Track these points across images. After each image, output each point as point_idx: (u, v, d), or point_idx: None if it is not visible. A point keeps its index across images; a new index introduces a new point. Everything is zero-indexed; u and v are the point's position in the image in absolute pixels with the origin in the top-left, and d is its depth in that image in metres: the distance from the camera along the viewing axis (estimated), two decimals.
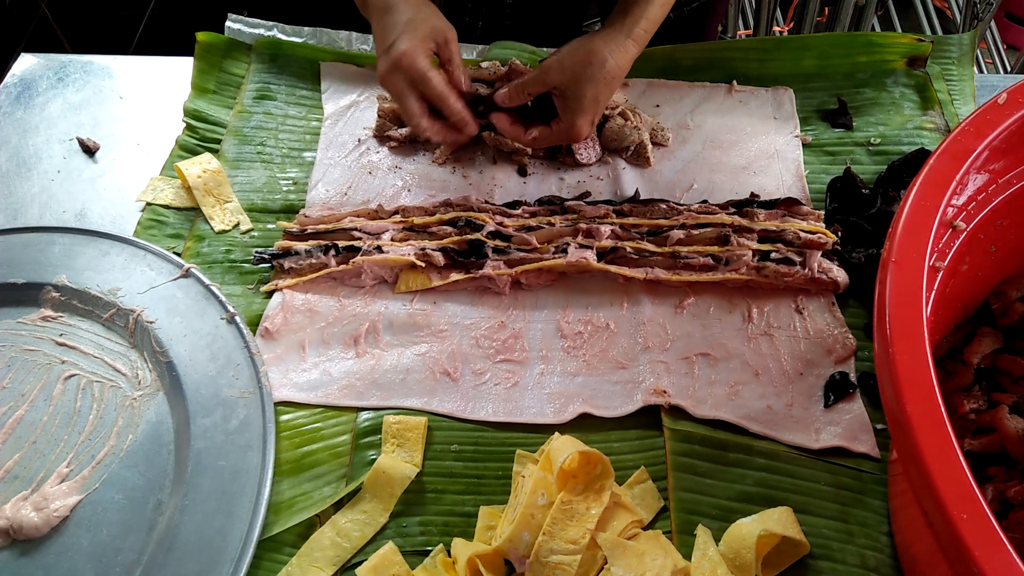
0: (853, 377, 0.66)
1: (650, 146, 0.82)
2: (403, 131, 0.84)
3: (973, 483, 0.37)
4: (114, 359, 0.69)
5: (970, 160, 0.49)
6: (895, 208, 0.73)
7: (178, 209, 0.80)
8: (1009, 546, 0.36)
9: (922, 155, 0.77)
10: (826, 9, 1.59)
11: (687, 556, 0.56)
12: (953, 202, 0.52)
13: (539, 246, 0.73)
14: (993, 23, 1.69)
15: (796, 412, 0.64)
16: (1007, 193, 0.56)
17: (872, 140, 0.82)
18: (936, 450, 0.38)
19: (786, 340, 0.69)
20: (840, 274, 0.70)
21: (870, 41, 0.87)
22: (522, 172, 0.82)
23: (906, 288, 0.44)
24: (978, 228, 0.55)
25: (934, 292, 0.51)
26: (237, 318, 0.70)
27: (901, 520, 0.56)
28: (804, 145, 0.83)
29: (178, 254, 0.75)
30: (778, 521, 0.56)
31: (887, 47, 0.87)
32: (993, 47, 1.73)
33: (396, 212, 0.77)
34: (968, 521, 0.36)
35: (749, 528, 0.56)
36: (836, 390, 0.65)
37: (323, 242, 0.74)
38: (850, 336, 0.68)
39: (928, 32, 1.72)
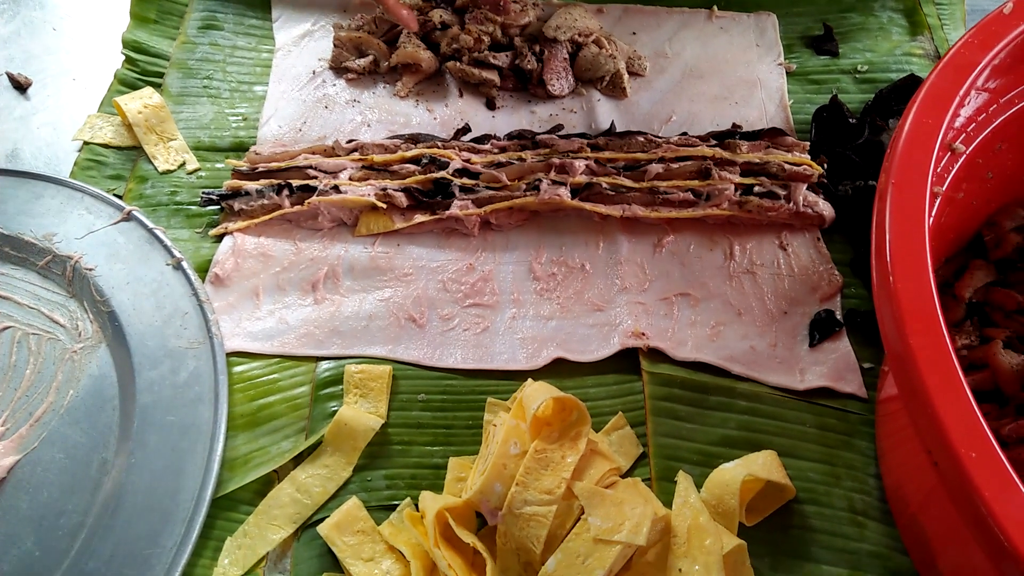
0: (839, 315, 0.63)
1: (626, 76, 0.77)
2: (361, 62, 0.78)
3: (981, 419, 0.34)
4: (52, 310, 0.64)
5: (973, 75, 0.46)
6: (883, 138, 0.70)
7: (118, 148, 0.74)
8: (1021, 485, 0.33)
9: (912, 81, 0.73)
10: None
11: (667, 504, 0.53)
12: (953, 124, 0.48)
13: (509, 183, 0.69)
14: None
15: (780, 352, 0.61)
16: (1007, 114, 0.52)
17: (859, 67, 0.78)
18: (942, 385, 0.35)
19: (769, 278, 0.65)
20: (826, 208, 0.67)
21: None
22: (490, 105, 0.77)
23: (907, 213, 0.40)
24: (976, 152, 0.52)
25: (931, 219, 0.47)
26: (184, 264, 0.65)
27: (891, 461, 0.53)
28: (788, 73, 0.78)
29: (119, 196, 0.70)
30: (762, 465, 0.54)
31: None
32: None
33: (354, 149, 0.72)
34: (977, 460, 0.33)
35: (732, 473, 0.53)
36: (821, 329, 0.62)
37: (276, 181, 0.69)
38: (836, 272, 0.65)
39: None
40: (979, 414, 0.34)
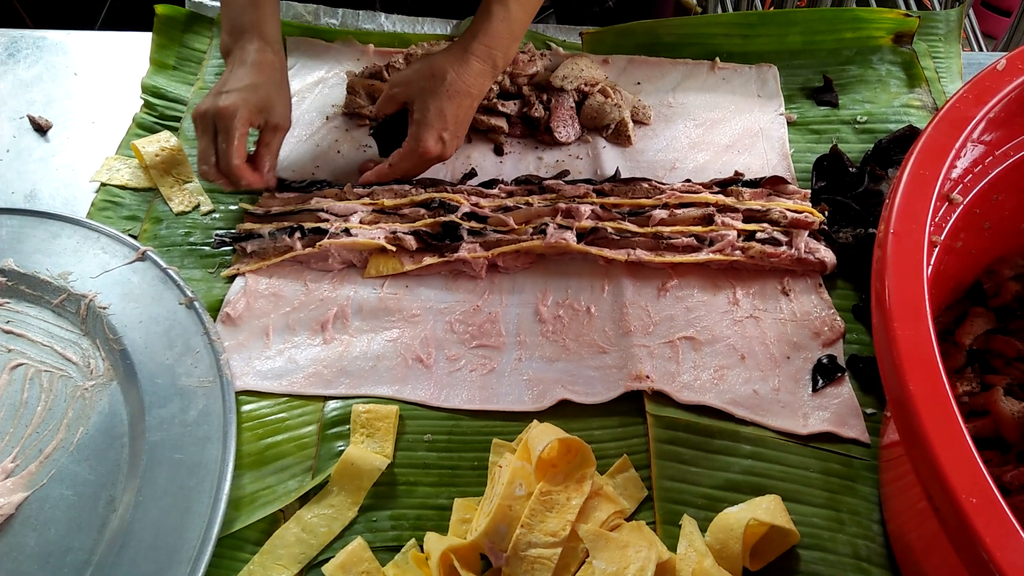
0: (841, 360, 0.64)
1: (631, 124, 0.79)
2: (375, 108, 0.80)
3: (981, 465, 0.35)
4: (64, 347, 0.65)
5: (969, 128, 0.47)
6: (883, 187, 0.71)
7: (135, 190, 0.76)
8: (1021, 531, 0.33)
9: (910, 132, 0.74)
10: None
11: (672, 547, 0.54)
12: (950, 175, 0.49)
13: (516, 227, 0.70)
14: (971, 10, 1.69)
15: (783, 397, 0.62)
16: (1003, 166, 0.54)
17: (858, 118, 0.80)
18: (942, 431, 0.35)
19: (772, 323, 0.66)
20: (827, 254, 0.68)
21: (856, 16, 0.85)
22: (498, 151, 0.79)
23: (906, 261, 0.41)
24: (974, 202, 0.53)
25: (930, 268, 0.48)
26: (196, 303, 0.66)
27: (895, 507, 0.53)
28: (789, 123, 0.80)
29: (134, 236, 0.71)
30: (766, 510, 0.54)
31: (873, 23, 0.85)
32: (971, 34, 1.72)
33: (366, 194, 0.73)
34: (977, 505, 0.34)
35: (736, 517, 0.53)
36: (824, 374, 0.63)
37: (287, 224, 0.71)
38: (838, 318, 0.66)
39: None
40: (979, 460, 0.35)
